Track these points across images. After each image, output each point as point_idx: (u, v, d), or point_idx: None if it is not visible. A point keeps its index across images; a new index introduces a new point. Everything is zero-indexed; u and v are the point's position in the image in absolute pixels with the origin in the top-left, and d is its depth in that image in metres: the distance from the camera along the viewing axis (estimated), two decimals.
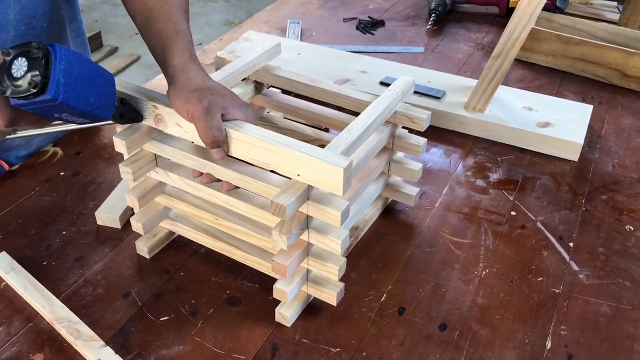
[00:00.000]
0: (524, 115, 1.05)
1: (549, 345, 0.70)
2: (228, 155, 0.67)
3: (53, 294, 0.72)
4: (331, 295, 0.70)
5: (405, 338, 0.70)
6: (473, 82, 1.14)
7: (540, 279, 0.78)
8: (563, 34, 1.24)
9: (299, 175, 0.62)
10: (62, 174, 0.93)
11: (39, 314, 0.71)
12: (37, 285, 0.73)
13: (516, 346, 0.69)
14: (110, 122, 0.66)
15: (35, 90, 0.54)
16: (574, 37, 1.23)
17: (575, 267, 0.80)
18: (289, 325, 0.71)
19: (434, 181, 0.95)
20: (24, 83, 0.54)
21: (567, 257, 0.81)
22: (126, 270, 0.78)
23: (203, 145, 0.66)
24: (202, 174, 0.71)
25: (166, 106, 0.68)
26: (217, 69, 1.23)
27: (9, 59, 0.56)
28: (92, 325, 0.69)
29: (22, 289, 0.72)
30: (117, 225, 0.83)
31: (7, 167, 0.95)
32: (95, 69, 0.59)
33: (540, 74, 1.27)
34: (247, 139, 0.64)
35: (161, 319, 0.71)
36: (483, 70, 1.25)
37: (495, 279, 0.78)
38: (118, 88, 0.70)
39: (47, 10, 0.88)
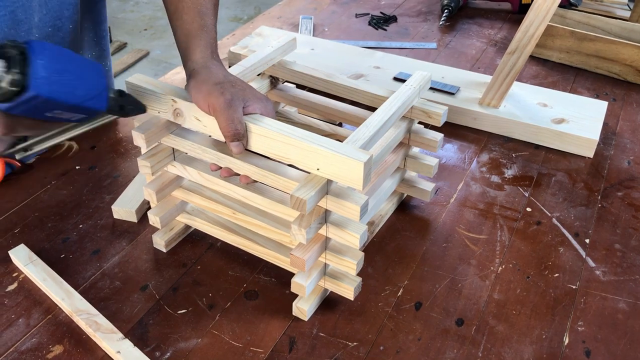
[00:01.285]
0: (538, 111, 1.05)
1: (566, 340, 0.70)
2: (246, 149, 0.67)
3: (71, 286, 0.73)
4: (348, 290, 0.70)
5: (422, 332, 0.70)
6: (486, 78, 1.14)
7: (557, 274, 0.78)
8: (577, 30, 1.24)
9: (318, 169, 0.62)
10: (77, 167, 0.94)
11: (57, 305, 0.71)
12: (56, 277, 0.73)
13: (533, 341, 0.69)
14: (111, 116, 0.66)
15: (16, 89, 0.52)
16: (588, 33, 1.23)
17: (591, 263, 0.80)
18: (306, 319, 0.71)
19: (448, 177, 0.95)
20: (4, 84, 0.52)
21: (583, 253, 0.81)
22: (143, 263, 0.78)
23: (222, 138, 0.66)
24: (220, 167, 0.71)
25: (185, 99, 0.68)
26: (230, 64, 1.23)
27: None
28: (110, 318, 0.69)
29: (41, 280, 0.73)
30: (134, 218, 0.84)
31: (17, 164, 0.94)
32: (80, 61, 0.58)
33: (554, 70, 1.26)
34: (266, 133, 0.64)
35: (178, 312, 0.72)
36: (496, 66, 1.25)
37: (511, 274, 0.78)
38: (134, 81, 0.70)
39: (72, 12, 0.89)
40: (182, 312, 0.72)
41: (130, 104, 0.67)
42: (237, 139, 0.64)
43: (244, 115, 0.65)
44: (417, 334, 0.70)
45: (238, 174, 0.70)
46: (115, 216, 0.85)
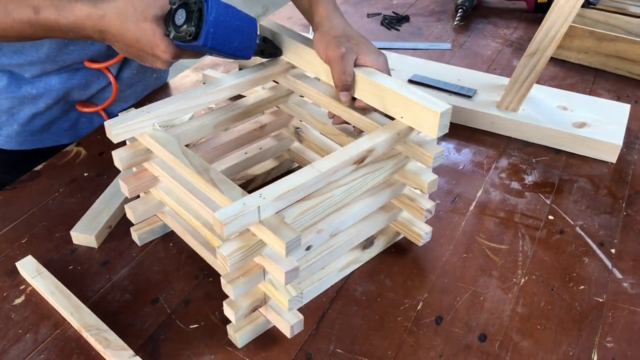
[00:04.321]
0: (558, 114, 1.02)
1: (594, 357, 0.67)
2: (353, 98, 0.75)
3: (79, 299, 0.70)
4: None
5: (444, 349, 0.67)
6: (504, 80, 1.11)
7: (582, 287, 0.75)
8: (596, 30, 1.20)
9: (402, 118, 0.70)
10: (85, 174, 0.92)
11: (65, 320, 0.69)
12: (64, 290, 0.71)
13: (560, 358, 0.66)
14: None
15: (190, 38, 0.68)
16: (607, 32, 1.19)
17: (618, 275, 0.77)
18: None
19: (467, 183, 0.92)
20: (182, 30, 0.68)
21: (609, 264, 0.78)
22: (153, 275, 0.76)
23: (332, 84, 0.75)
24: (334, 115, 0.78)
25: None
26: (239, 65, 1.20)
27: (174, 7, 0.69)
28: (121, 333, 0.67)
29: (49, 294, 0.70)
30: (93, 244, 0.79)
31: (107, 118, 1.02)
32: (240, 16, 0.71)
33: (572, 71, 1.23)
34: (367, 83, 0.72)
35: (191, 327, 0.69)
36: (513, 67, 1.22)
37: (534, 286, 0.75)
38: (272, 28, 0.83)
39: None
40: (194, 327, 0.69)
41: (270, 49, 0.81)
42: (345, 89, 0.73)
43: (355, 66, 0.73)
44: (439, 350, 0.67)
45: (348, 123, 0.78)
46: (75, 242, 0.80)
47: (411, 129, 0.71)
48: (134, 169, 0.76)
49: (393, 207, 0.77)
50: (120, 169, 0.72)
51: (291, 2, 1.54)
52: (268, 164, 0.89)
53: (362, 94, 0.74)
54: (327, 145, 0.84)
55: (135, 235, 0.79)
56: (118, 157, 0.71)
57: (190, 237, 0.76)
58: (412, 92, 0.69)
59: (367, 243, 0.77)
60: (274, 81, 0.85)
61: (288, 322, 0.65)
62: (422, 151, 0.70)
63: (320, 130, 0.82)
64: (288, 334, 0.65)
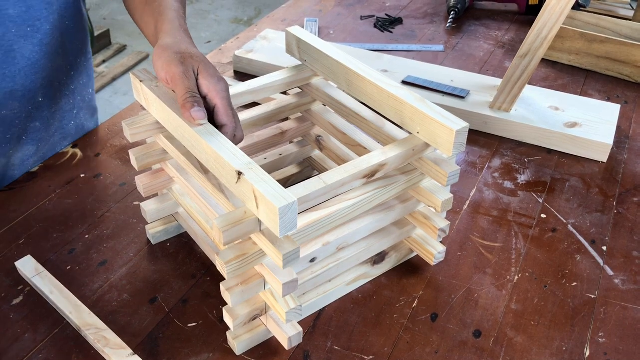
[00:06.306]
0: (550, 115, 1.03)
1: (587, 352, 0.68)
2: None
3: (78, 299, 0.71)
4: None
5: (440, 345, 0.68)
6: (496, 81, 1.12)
7: (575, 283, 0.76)
8: (587, 32, 1.22)
9: (418, 132, 0.68)
10: (82, 175, 0.92)
11: (64, 319, 0.70)
12: (63, 290, 0.72)
13: (553, 353, 0.68)
14: None
15: None
16: (598, 34, 1.21)
17: (609, 272, 0.78)
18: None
19: (460, 182, 0.93)
20: None
21: (600, 261, 0.80)
22: (151, 274, 0.76)
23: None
24: None
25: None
26: (235, 68, 1.21)
27: None
28: (119, 332, 0.68)
29: (48, 293, 0.71)
30: None
31: None
32: None
33: (563, 73, 1.24)
34: (390, 97, 0.70)
35: (189, 325, 0.70)
36: (505, 68, 1.23)
37: (528, 283, 0.76)
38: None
39: (50, 12, 0.87)
40: (192, 326, 0.70)
41: None
42: (193, 105, 0.62)
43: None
44: (434, 347, 0.68)
45: None
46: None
47: (427, 145, 0.69)
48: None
49: (407, 224, 0.75)
50: (136, 168, 0.73)
51: (285, 5, 1.55)
52: (288, 170, 0.88)
53: (381, 106, 0.72)
54: (346, 156, 0.81)
55: (150, 233, 0.79)
56: (134, 157, 0.71)
57: (202, 240, 0.77)
58: (429, 108, 0.67)
59: (378, 258, 0.76)
60: (298, 88, 0.84)
61: (286, 334, 0.64)
62: (436, 169, 0.68)
63: (340, 140, 0.81)
64: (286, 346, 0.65)
